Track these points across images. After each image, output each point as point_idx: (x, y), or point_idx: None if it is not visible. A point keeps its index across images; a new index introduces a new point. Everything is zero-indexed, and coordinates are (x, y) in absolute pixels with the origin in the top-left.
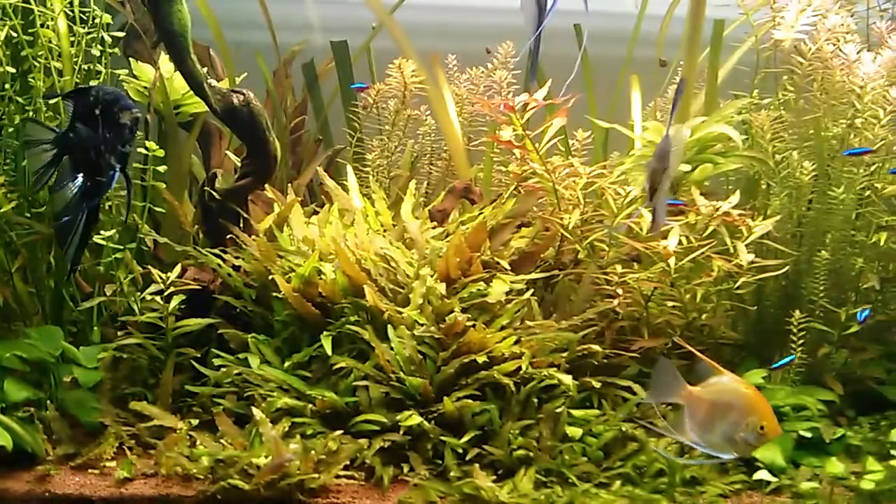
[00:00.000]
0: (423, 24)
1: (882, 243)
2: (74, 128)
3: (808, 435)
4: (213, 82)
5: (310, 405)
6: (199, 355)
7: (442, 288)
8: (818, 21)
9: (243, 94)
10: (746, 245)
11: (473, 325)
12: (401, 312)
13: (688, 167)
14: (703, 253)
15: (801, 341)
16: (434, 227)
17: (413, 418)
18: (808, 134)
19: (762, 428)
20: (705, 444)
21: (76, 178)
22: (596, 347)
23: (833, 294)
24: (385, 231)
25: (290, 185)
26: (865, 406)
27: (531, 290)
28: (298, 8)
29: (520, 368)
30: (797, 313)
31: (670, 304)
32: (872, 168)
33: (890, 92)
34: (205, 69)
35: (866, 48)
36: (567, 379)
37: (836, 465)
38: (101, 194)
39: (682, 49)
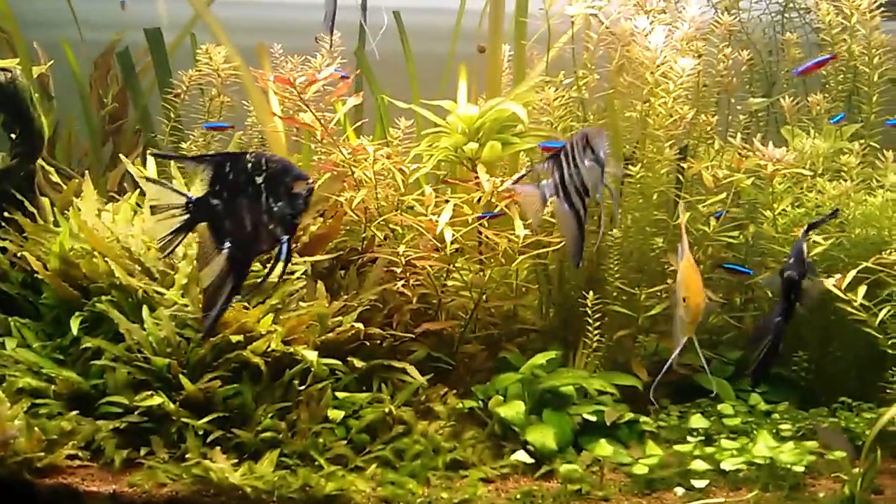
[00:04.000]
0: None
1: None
2: (219, 194)
3: (593, 419)
4: None
5: (52, 387)
6: None
7: None
8: None
9: (10, 72)
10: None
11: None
12: (161, 293)
13: (476, 145)
14: (473, 227)
15: (598, 325)
16: None
17: (153, 399)
18: (603, 112)
19: (684, 300)
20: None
21: (222, 248)
22: (359, 325)
23: (635, 277)
24: None
25: (107, 174)
26: (687, 394)
27: (304, 271)
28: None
29: (271, 348)
30: (591, 295)
31: (450, 284)
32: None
33: (678, 62)
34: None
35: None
36: (311, 355)
37: (604, 448)
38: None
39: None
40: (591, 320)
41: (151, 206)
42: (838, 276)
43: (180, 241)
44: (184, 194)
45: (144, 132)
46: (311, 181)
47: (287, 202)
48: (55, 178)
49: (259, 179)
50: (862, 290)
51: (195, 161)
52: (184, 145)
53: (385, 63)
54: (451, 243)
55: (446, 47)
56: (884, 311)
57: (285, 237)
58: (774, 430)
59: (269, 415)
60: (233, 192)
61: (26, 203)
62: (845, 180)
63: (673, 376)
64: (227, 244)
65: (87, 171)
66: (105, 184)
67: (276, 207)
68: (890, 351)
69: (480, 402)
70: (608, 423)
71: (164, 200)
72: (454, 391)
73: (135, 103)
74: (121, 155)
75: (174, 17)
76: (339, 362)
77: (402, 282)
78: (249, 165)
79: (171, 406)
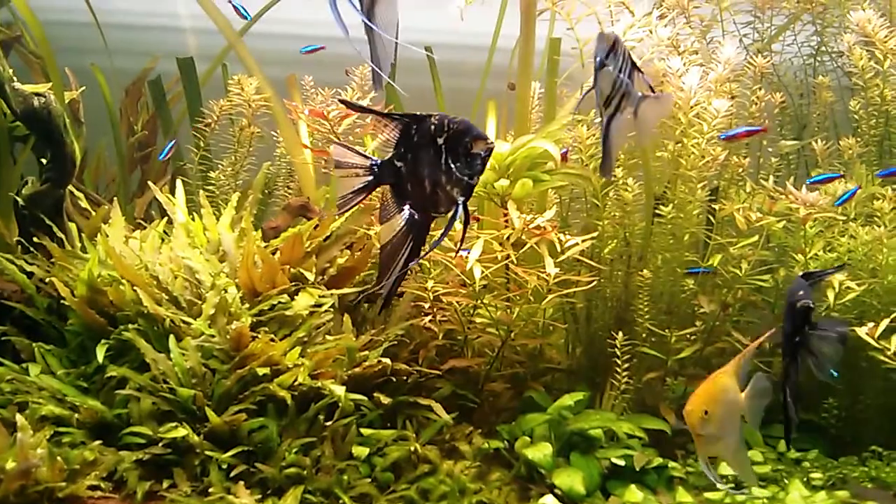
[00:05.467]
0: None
1: (716, 265)
2: (404, 156)
3: (621, 463)
4: (18, 84)
5: (76, 415)
6: None
7: (236, 299)
8: (647, 36)
9: (45, 97)
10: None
11: (256, 337)
12: (189, 323)
13: (506, 182)
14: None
15: (626, 367)
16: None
17: (178, 431)
18: (636, 151)
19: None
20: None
21: (402, 209)
22: (386, 361)
23: (665, 318)
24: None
25: (134, 200)
26: None
27: (332, 304)
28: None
29: (298, 381)
30: (620, 335)
31: (478, 320)
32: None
33: (713, 104)
34: (12, 70)
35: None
36: (339, 390)
37: (634, 494)
38: (447, 229)
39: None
40: (619, 361)
41: (336, 162)
42: (871, 324)
43: (360, 201)
44: (369, 157)
45: (173, 160)
46: (490, 142)
47: (465, 163)
48: (84, 203)
49: (440, 140)
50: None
51: (384, 117)
52: (212, 174)
53: (416, 98)
54: (480, 279)
55: (476, 84)
56: None
57: (462, 199)
58: (805, 479)
59: (294, 450)
60: (416, 154)
61: (55, 228)
62: (879, 225)
63: None
64: (408, 206)
65: (115, 198)
66: (133, 211)
67: (455, 168)
68: None
69: (506, 442)
70: (637, 468)
71: (348, 160)
72: (479, 430)
73: (164, 131)
74: (149, 182)
75: (206, 48)
76: (364, 398)
77: (429, 317)
78: (433, 127)
79: (196, 438)
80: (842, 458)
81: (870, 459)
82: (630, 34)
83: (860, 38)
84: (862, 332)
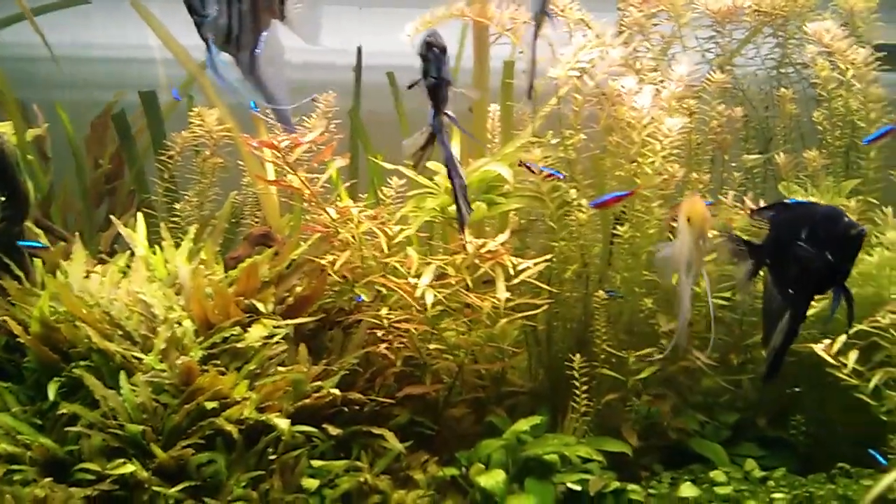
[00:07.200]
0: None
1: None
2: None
3: (577, 488)
4: None
5: (28, 452)
6: None
7: (189, 332)
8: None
9: None
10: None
11: (206, 370)
12: (140, 358)
13: None
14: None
15: (585, 389)
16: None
17: (126, 467)
18: (591, 171)
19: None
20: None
21: (786, 295)
22: (335, 392)
23: (625, 339)
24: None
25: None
26: (681, 459)
27: (285, 335)
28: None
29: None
30: (578, 358)
31: (433, 346)
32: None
33: (665, 122)
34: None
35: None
36: (283, 424)
37: None
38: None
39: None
40: (578, 384)
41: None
42: (829, 339)
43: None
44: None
45: (139, 193)
46: (861, 228)
47: (842, 250)
48: (44, 240)
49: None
50: (853, 354)
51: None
52: (177, 206)
53: (380, 123)
54: (434, 305)
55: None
56: (877, 377)
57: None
58: (768, 500)
59: (243, 483)
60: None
61: (13, 266)
62: None
63: (666, 440)
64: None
65: (77, 233)
66: (97, 244)
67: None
68: (885, 418)
69: (463, 469)
70: (591, 493)
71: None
72: (437, 457)
73: (130, 164)
74: (111, 216)
75: (175, 78)
76: (315, 429)
77: (385, 345)
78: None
79: (145, 474)
80: (810, 476)
81: (838, 477)
82: (582, 55)
83: (822, 48)
84: (819, 348)
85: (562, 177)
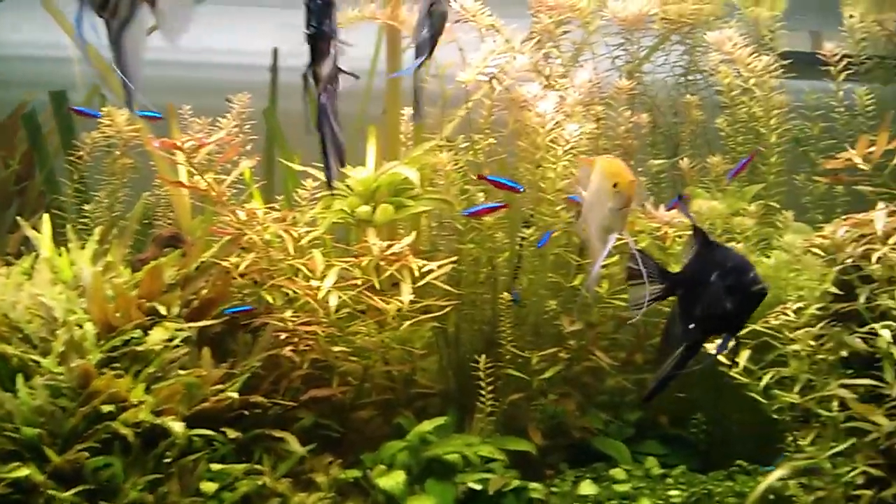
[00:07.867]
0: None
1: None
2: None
3: (478, 487)
4: None
5: None
6: None
7: (89, 335)
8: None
9: None
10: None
11: (103, 374)
12: (38, 362)
13: (368, 208)
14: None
15: (491, 389)
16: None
17: (21, 470)
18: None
19: (615, 185)
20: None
21: (686, 329)
22: (234, 395)
23: (531, 339)
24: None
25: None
26: (587, 457)
27: (188, 338)
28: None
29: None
30: (483, 358)
31: (340, 349)
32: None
33: (566, 128)
34: None
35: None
36: (178, 427)
37: None
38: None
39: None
40: (483, 384)
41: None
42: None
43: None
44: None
45: (49, 194)
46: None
47: (737, 302)
48: None
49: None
50: (745, 353)
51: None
52: (87, 207)
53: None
54: (339, 308)
55: (357, 108)
56: (767, 376)
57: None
58: (664, 497)
59: (139, 487)
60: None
61: None
62: (738, 242)
63: (571, 439)
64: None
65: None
66: (5, 246)
67: (727, 302)
68: (776, 416)
69: (366, 471)
70: (491, 492)
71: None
72: (343, 460)
73: (40, 165)
74: (18, 218)
75: (90, 77)
76: (214, 433)
77: (291, 347)
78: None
79: (40, 477)
80: (711, 473)
81: (737, 474)
82: (490, 60)
83: (726, 56)
84: (711, 347)
85: (521, 189)
